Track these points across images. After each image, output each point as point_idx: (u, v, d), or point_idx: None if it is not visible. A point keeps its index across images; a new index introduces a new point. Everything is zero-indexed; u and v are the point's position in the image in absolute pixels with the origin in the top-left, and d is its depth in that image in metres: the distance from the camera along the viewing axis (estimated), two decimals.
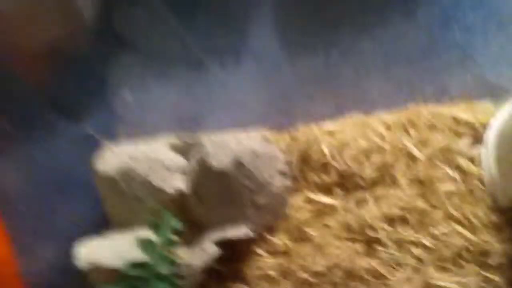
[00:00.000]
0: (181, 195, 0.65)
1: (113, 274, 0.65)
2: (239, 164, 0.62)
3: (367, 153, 0.64)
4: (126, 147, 0.67)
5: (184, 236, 0.66)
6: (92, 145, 0.70)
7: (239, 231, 0.63)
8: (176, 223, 0.62)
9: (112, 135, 0.71)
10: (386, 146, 0.64)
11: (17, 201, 0.75)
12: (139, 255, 0.62)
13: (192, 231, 0.66)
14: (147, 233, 0.65)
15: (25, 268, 0.73)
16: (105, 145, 0.68)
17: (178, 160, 0.67)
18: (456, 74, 0.68)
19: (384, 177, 0.64)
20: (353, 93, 0.71)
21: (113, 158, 0.65)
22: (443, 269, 0.60)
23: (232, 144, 0.64)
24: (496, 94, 0.66)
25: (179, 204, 0.66)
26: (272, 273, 0.64)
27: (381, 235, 0.61)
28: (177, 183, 0.65)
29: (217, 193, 0.63)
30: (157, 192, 0.65)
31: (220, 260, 0.61)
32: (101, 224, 0.69)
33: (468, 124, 0.64)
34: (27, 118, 0.76)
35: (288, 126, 0.70)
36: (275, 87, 0.72)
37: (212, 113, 0.73)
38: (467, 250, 0.59)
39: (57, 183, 0.75)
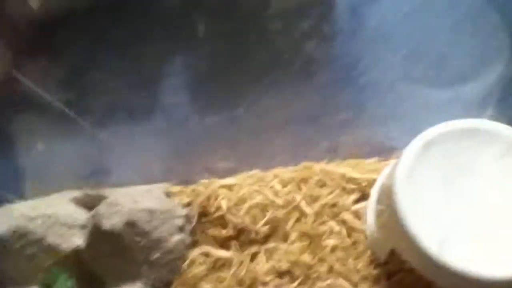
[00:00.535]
0: (78, 251, 0.67)
1: None
2: (132, 224, 0.64)
3: (262, 208, 0.67)
4: (21, 205, 0.69)
5: None
6: None
7: None
8: (69, 283, 0.63)
9: (13, 190, 0.73)
10: (280, 202, 0.67)
11: None
12: None
13: (91, 284, 0.67)
14: None
15: None
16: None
17: (80, 214, 0.69)
18: (348, 132, 0.72)
19: (277, 231, 0.66)
20: (254, 149, 0.74)
21: (3, 218, 0.67)
22: None
23: (127, 203, 0.65)
24: (383, 152, 0.70)
25: (75, 259, 0.67)
26: None
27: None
28: (74, 240, 0.67)
29: (110, 252, 0.65)
30: (52, 250, 0.66)
31: None
32: None
33: (355, 181, 0.67)
34: None
35: (192, 180, 0.73)
36: (182, 141, 0.75)
37: (120, 165, 0.76)
38: None
39: None
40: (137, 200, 0.65)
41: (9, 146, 0.78)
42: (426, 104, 0.70)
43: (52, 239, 0.66)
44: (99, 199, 0.70)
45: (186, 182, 0.73)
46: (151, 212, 0.64)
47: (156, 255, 0.64)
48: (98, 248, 0.65)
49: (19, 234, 0.65)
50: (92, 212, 0.65)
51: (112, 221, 0.62)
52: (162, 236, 0.65)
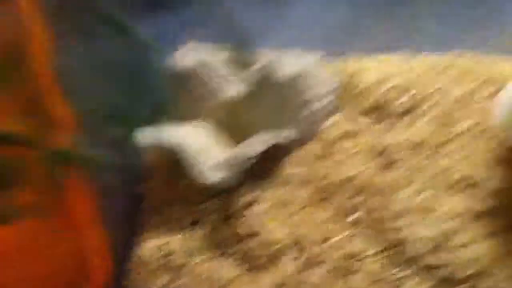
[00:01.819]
0: (236, 100, 0.77)
1: (167, 157, 0.78)
2: (296, 78, 0.72)
3: (403, 87, 0.72)
4: (199, 48, 0.79)
5: (234, 138, 0.78)
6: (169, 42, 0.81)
7: (283, 134, 0.73)
8: None
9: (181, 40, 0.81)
10: (424, 82, 0.72)
11: None
12: (194, 141, 0.75)
13: (241, 134, 0.77)
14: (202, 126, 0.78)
15: None
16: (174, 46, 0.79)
17: (234, 70, 0.79)
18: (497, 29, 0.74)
19: (414, 109, 0.72)
20: (407, 32, 0.78)
21: (190, 56, 0.77)
22: (445, 190, 0.67)
23: (291, 59, 0.74)
24: None
25: (233, 108, 0.78)
26: (297, 178, 0.74)
27: (399, 158, 0.69)
28: (231, 90, 0.77)
29: (270, 101, 0.74)
30: (217, 94, 0.77)
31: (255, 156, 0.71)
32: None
33: (501, 74, 0.70)
34: None
35: (340, 54, 0.79)
36: (332, 17, 0.81)
37: (273, 32, 0.83)
38: (468, 179, 0.67)
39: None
40: (300, 58, 0.74)
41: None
42: None
43: (215, 85, 0.77)
44: (252, 59, 0.79)
45: (334, 56, 0.79)
46: (310, 72, 0.73)
47: (307, 112, 0.73)
48: (255, 99, 0.75)
49: (195, 75, 0.76)
50: (261, 64, 0.74)
51: (282, 71, 0.71)
52: (315, 96, 0.73)
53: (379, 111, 0.73)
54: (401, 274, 0.66)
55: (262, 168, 0.76)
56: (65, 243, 0.82)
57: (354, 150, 0.73)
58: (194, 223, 0.76)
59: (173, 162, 0.79)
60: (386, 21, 0.79)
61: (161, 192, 0.80)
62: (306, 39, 0.81)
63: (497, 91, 0.69)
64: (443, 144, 0.68)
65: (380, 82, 0.73)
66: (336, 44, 0.81)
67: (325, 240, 0.71)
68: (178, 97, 0.80)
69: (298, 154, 0.75)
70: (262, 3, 0.84)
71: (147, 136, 0.75)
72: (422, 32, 0.77)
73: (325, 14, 0.81)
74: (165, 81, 0.80)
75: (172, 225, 0.77)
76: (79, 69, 0.83)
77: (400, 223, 0.67)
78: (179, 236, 0.75)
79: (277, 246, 0.71)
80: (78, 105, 0.78)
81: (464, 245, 0.64)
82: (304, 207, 0.73)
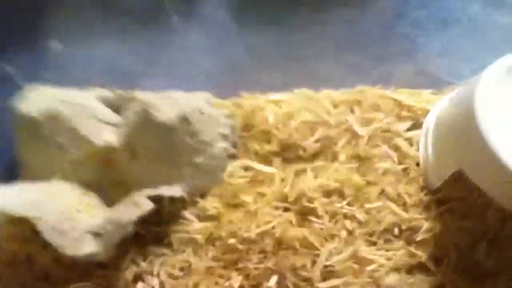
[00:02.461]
0: (109, 149, 0.61)
1: (17, 228, 0.59)
2: (185, 120, 0.59)
3: (311, 126, 0.64)
4: (54, 90, 0.63)
5: (106, 197, 0.63)
6: (9, 88, 0.64)
7: (173, 191, 0.60)
8: None
9: (35, 81, 0.65)
10: (331, 121, 0.64)
11: None
12: (54, 206, 0.58)
13: (116, 192, 0.62)
14: (63, 186, 0.61)
15: None
16: (29, 87, 0.63)
17: (109, 113, 0.64)
18: (402, 64, 0.71)
19: (325, 150, 0.64)
20: (302, 71, 0.71)
21: (38, 98, 0.60)
22: (372, 243, 0.60)
23: (179, 99, 0.61)
24: (437, 85, 0.69)
25: (104, 159, 0.62)
26: (198, 237, 0.61)
27: (316, 206, 0.60)
28: (106, 136, 0.61)
29: (154, 149, 0.60)
30: (84, 142, 0.60)
31: (141, 221, 0.57)
32: (9, 175, 0.63)
33: (410, 109, 0.65)
34: None
35: (231, 94, 0.69)
36: (222, 54, 0.71)
37: (151, 72, 0.71)
38: (397, 226, 0.60)
39: None
40: (187, 98, 0.61)
41: (34, 39, 0.71)
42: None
43: (84, 130, 0.60)
44: (131, 100, 0.65)
45: (225, 96, 0.68)
46: (202, 112, 0.60)
47: (200, 159, 0.60)
48: (135, 146, 0.59)
49: (51, 118, 0.59)
50: (141, 103, 0.58)
51: (165, 113, 0.57)
52: (208, 140, 0.61)
53: (286, 152, 0.64)
54: None
55: (149, 232, 0.61)
56: None
57: (265, 200, 0.61)
58: None
59: (29, 233, 0.61)
60: (280, 62, 0.72)
61: (15, 272, 0.60)
62: (190, 79, 0.70)
63: (413, 127, 0.65)
64: (364, 188, 0.61)
65: (283, 120, 0.64)
66: (225, 85, 0.71)
67: None
68: (30, 149, 0.62)
69: (198, 209, 0.62)
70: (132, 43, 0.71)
71: None
72: (319, 72, 0.71)
73: (206, 55, 0.71)
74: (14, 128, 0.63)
75: None
76: None
77: (331, 283, 0.57)
78: None
79: None
80: None
81: None
82: (208, 275, 0.59)
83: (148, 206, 0.56)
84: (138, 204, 0.56)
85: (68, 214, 0.57)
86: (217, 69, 0.72)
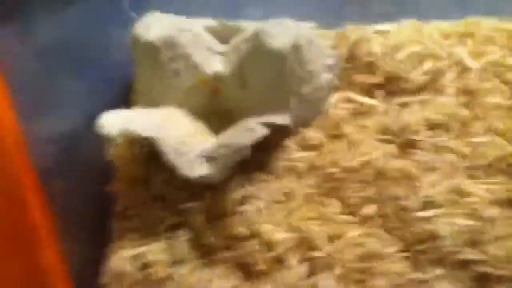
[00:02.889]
0: (218, 77, 0.64)
1: (135, 150, 0.65)
2: (298, 48, 0.59)
3: (419, 58, 0.63)
4: (170, 17, 0.65)
5: (212, 124, 0.67)
6: (123, 17, 0.68)
7: (282, 119, 0.61)
8: None
9: (144, 10, 0.67)
10: (440, 53, 0.62)
11: (21, 71, 0.73)
12: (172, 129, 0.62)
13: (220, 120, 0.65)
14: (177, 112, 0.65)
15: (31, 137, 0.73)
16: (149, 13, 0.65)
17: (216, 42, 0.66)
18: None
19: (432, 83, 0.63)
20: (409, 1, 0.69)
21: (156, 24, 0.62)
22: (475, 177, 0.60)
23: (291, 27, 0.61)
24: None
25: (212, 88, 0.65)
26: (300, 165, 0.63)
27: (420, 139, 0.61)
28: (216, 65, 0.64)
29: (266, 77, 0.61)
30: (196, 69, 0.63)
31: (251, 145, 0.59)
32: (121, 104, 0.66)
33: None
34: None
35: (335, 25, 0.67)
36: None
37: (253, 2, 0.71)
38: (502, 160, 0.59)
39: (70, 53, 0.74)
40: (299, 27, 0.60)
41: None
42: None
43: (198, 58, 0.63)
44: (236, 31, 0.67)
45: (331, 26, 0.67)
46: (310, 42, 0.60)
47: (306, 89, 0.62)
48: (245, 74, 0.62)
49: (170, 44, 0.61)
50: (254, 30, 0.60)
51: (279, 40, 0.57)
52: (314, 71, 0.62)
53: (391, 85, 0.63)
54: (431, 275, 0.58)
55: (255, 158, 0.64)
56: (17, 263, 0.68)
57: (366, 132, 0.62)
58: (175, 227, 0.64)
59: (146, 155, 0.67)
60: None
61: (132, 192, 0.66)
62: (291, 8, 0.68)
63: None
64: (470, 122, 0.60)
65: (389, 52, 0.63)
66: (326, 14, 0.70)
67: (336, 238, 0.61)
68: (146, 75, 0.65)
69: (300, 138, 0.64)
70: None
71: (112, 123, 0.60)
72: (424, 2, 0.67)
73: None
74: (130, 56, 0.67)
75: (149, 231, 0.64)
76: None
77: (429, 213, 0.58)
78: (159, 243, 0.63)
79: (278, 249, 0.61)
80: None
81: (507, 236, 0.57)
82: (309, 201, 0.63)
83: (263, 131, 0.58)
84: (252, 130, 0.58)
85: (184, 138, 0.61)
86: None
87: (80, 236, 0.73)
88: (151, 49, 0.61)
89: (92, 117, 0.61)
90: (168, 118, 0.64)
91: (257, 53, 0.59)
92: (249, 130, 0.58)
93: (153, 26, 0.61)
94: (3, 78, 0.74)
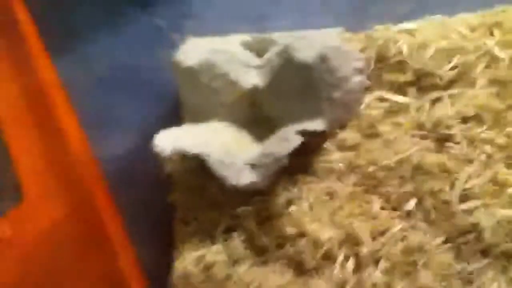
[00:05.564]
0: (255, 90, 0.69)
1: (190, 163, 0.71)
2: (323, 58, 0.63)
3: (447, 53, 0.64)
4: (206, 40, 0.71)
5: (255, 133, 0.71)
6: (163, 39, 0.74)
7: (315, 125, 0.65)
8: None
9: (181, 30, 0.74)
10: (468, 46, 0.63)
11: (84, 97, 0.82)
12: (217, 143, 0.67)
13: (262, 128, 0.70)
14: (220, 126, 0.70)
15: (99, 155, 0.80)
16: (185, 39, 0.71)
17: (252, 57, 0.71)
18: None
19: (463, 76, 0.64)
20: None
21: (194, 49, 0.69)
22: None
23: (316, 38, 0.65)
24: None
25: (252, 100, 0.70)
26: (340, 166, 0.67)
27: (454, 132, 0.62)
28: (252, 78, 0.69)
29: (296, 87, 0.65)
30: (234, 86, 0.69)
31: (291, 154, 0.63)
32: (172, 120, 0.73)
33: None
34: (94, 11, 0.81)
35: (361, 27, 0.70)
36: None
37: (280, 12, 0.75)
38: None
39: (123, 77, 0.81)
40: (323, 37, 0.65)
41: None
42: None
43: (234, 75, 0.68)
44: (270, 43, 0.71)
45: (357, 29, 0.70)
46: (337, 49, 0.64)
47: (338, 93, 0.65)
48: (279, 86, 0.66)
49: (208, 67, 0.67)
50: (282, 46, 0.65)
51: (305, 53, 0.62)
52: (344, 76, 0.65)
53: (421, 82, 0.65)
54: (475, 266, 0.59)
55: (297, 162, 0.69)
56: (97, 265, 0.78)
57: (401, 129, 0.65)
58: (230, 230, 0.70)
59: (198, 167, 0.72)
60: None
61: (190, 201, 0.73)
62: (318, 16, 0.73)
63: None
64: (502, 112, 0.61)
65: (417, 50, 0.65)
66: (355, 18, 0.72)
67: (381, 233, 0.64)
68: (190, 95, 0.72)
69: (337, 140, 0.68)
70: None
71: (164, 143, 0.67)
72: None
73: None
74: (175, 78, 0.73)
75: (208, 234, 0.70)
76: None
77: (469, 205, 0.60)
78: (217, 245, 0.69)
79: (326, 246, 0.64)
80: None
81: None
82: (351, 199, 0.66)
83: (298, 140, 0.62)
84: (289, 139, 0.62)
85: (228, 150, 0.67)
86: (346, 2, 0.73)
87: (150, 241, 0.80)
88: (192, 74, 0.68)
89: (149, 134, 0.68)
90: (214, 132, 0.70)
91: (287, 66, 0.64)
92: (286, 140, 0.62)
93: (191, 52, 0.68)
94: (71, 104, 0.84)
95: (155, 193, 0.79)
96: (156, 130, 0.68)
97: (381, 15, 0.69)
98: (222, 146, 0.68)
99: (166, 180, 0.75)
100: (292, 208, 0.67)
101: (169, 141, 0.66)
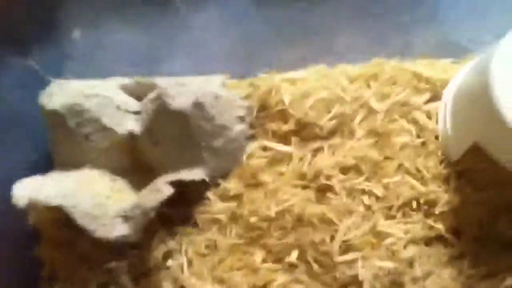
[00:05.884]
0: (132, 137, 0.64)
1: (57, 214, 0.64)
2: (199, 106, 0.61)
3: (327, 104, 0.64)
4: (74, 83, 0.65)
5: (133, 181, 0.66)
6: (38, 82, 0.68)
7: (193, 174, 0.62)
8: None
9: (59, 73, 0.68)
10: (346, 98, 0.64)
11: None
12: (85, 193, 0.62)
13: (142, 176, 0.66)
14: (93, 173, 0.65)
15: None
16: (51, 81, 0.66)
17: (130, 101, 0.66)
18: (420, 32, 0.68)
19: (342, 127, 0.64)
20: (319, 45, 0.70)
21: (60, 93, 0.63)
22: (390, 217, 0.61)
23: (192, 85, 0.63)
24: (457, 54, 0.66)
25: (129, 147, 0.65)
26: (221, 217, 0.64)
27: (334, 183, 0.61)
28: (129, 124, 0.64)
29: (173, 135, 0.62)
30: (108, 132, 0.64)
31: (169, 203, 0.60)
32: (45, 166, 0.67)
33: (428, 81, 0.64)
34: None
35: (249, 74, 0.69)
36: (239, 33, 0.71)
37: (171, 56, 0.71)
38: (415, 199, 0.60)
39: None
40: (200, 84, 0.62)
41: (54, 29, 0.74)
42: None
43: (107, 120, 0.63)
44: (151, 87, 0.67)
45: (243, 75, 0.69)
46: (216, 97, 0.61)
47: (219, 142, 0.62)
48: (156, 133, 0.62)
49: (75, 111, 0.62)
50: (156, 92, 0.61)
51: (179, 100, 0.59)
52: (225, 124, 0.62)
53: (304, 132, 0.64)
54: None
55: (176, 213, 0.65)
56: None
57: (283, 179, 0.63)
58: (103, 286, 0.63)
59: (67, 219, 0.65)
60: (294, 38, 0.71)
61: (58, 256, 0.66)
62: (203, 62, 0.71)
63: (432, 99, 0.64)
64: (381, 163, 0.61)
65: (299, 99, 0.64)
66: (243, 64, 0.71)
67: (262, 287, 0.61)
68: (59, 140, 0.65)
69: (220, 190, 0.65)
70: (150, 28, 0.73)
71: (22, 192, 0.59)
72: (336, 45, 0.69)
73: (223, 35, 0.72)
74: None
75: None
76: None
77: (349, 257, 0.59)
78: None
79: None
80: None
81: (427, 274, 0.58)
82: (232, 252, 0.63)
83: (168, 191, 0.58)
84: (159, 190, 0.58)
85: (99, 200, 0.61)
86: (236, 48, 0.72)
87: None
88: (57, 117, 0.62)
89: (14, 182, 0.61)
90: (84, 181, 0.63)
91: (162, 113, 0.60)
92: (157, 191, 0.58)
93: (56, 95, 0.62)
94: None
95: (21, 247, 0.70)
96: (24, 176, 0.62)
97: (270, 62, 0.69)
98: (93, 196, 0.62)
99: (32, 233, 0.68)
100: (170, 262, 0.63)
101: (26, 190, 0.59)
